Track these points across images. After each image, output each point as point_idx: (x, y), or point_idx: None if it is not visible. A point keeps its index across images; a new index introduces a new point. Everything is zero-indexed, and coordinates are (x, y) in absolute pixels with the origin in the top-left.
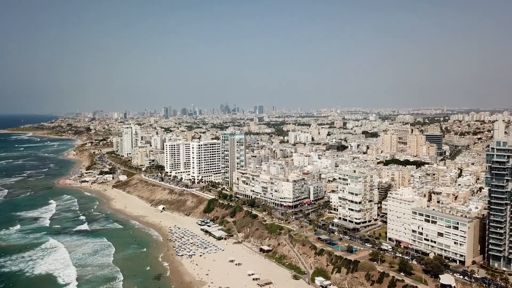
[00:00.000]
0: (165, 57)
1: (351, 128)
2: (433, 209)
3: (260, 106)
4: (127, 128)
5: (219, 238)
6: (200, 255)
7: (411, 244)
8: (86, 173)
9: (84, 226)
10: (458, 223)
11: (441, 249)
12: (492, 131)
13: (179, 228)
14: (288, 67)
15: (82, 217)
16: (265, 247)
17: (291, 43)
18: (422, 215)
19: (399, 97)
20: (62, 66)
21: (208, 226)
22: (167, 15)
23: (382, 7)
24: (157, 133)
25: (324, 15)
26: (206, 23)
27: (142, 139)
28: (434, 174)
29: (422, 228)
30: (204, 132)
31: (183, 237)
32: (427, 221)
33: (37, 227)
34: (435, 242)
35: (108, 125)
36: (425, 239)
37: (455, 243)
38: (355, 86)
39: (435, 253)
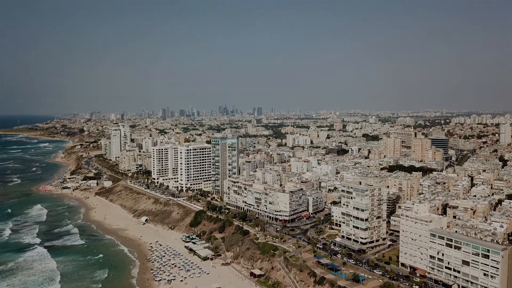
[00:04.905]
0: (164, 59)
1: (351, 131)
2: (456, 231)
3: (258, 108)
4: (115, 130)
5: (205, 258)
6: (181, 280)
7: (429, 273)
8: (69, 178)
9: (53, 242)
10: (489, 250)
11: (467, 281)
12: (497, 135)
13: (160, 245)
14: (288, 69)
15: (56, 230)
16: (257, 271)
17: (290, 44)
18: (442, 238)
19: (397, 99)
20: (61, 67)
21: (194, 243)
22: (167, 17)
23: (381, 9)
24: (150, 135)
25: (323, 17)
26: (205, 25)
27: (133, 142)
28: (444, 183)
29: (443, 254)
30: (199, 134)
31: (164, 256)
32: (449, 246)
33: None
34: (459, 272)
35: (102, 126)
36: (446, 267)
37: (484, 274)
38: (353, 88)
39: (459, 285)
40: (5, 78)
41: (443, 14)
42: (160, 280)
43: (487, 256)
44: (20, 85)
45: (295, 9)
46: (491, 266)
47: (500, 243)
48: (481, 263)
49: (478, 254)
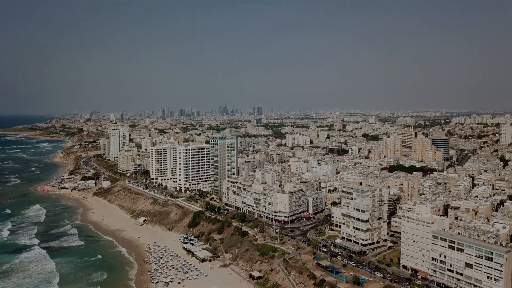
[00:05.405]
0: (164, 59)
1: (351, 131)
2: (458, 233)
3: (258, 108)
4: (114, 130)
5: (203, 260)
6: (179, 282)
7: (431, 275)
8: (67, 178)
9: (50, 243)
10: (492, 252)
11: (470, 284)
12: (498, 135)
13: (158, 246)
14: (287, 69)
15: (54, 231)
16: (256, 273)
17: (290, 45)
18: (445, 240)
19: (397, 99)
20: (61, 67)
21: (192, 244)
22: (166, 16)
23: (380, 9)
24: (149, 135)
25: (323, 18)
26: (205, 25)
27: (132, 142)
28: (445, 183)
29: (445, 257)
30: (199, 134)
31: (161, 257)
32: (452, 248)
33: None
34: (461, 274)
35: (101, 126)
36: (448, 269)
37: (488, 277)
38: (353, 88)
39: None
40: (4, 78)
41: (443, 14)
42: (157, 282)
43: (490, 259)
44: (20, 85)
45: (295, 9)
46: (494, 268)
47: (503, 245)
48: (484, 265)
49: (481, 256)
